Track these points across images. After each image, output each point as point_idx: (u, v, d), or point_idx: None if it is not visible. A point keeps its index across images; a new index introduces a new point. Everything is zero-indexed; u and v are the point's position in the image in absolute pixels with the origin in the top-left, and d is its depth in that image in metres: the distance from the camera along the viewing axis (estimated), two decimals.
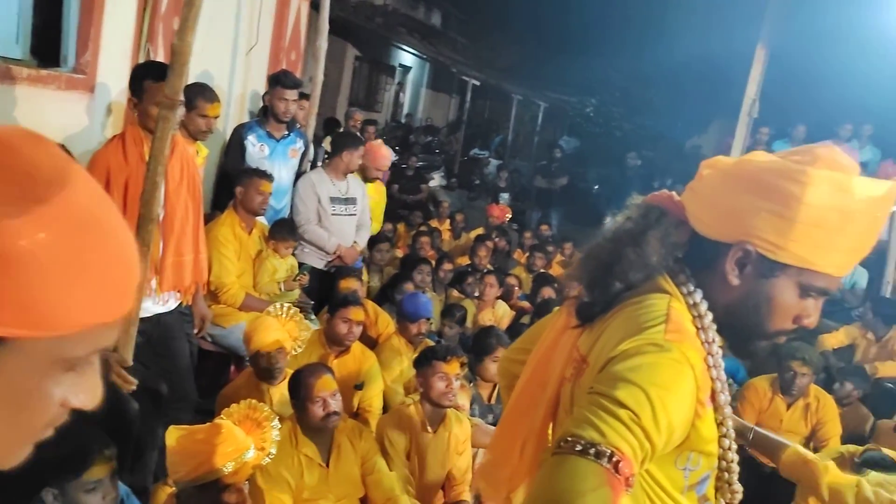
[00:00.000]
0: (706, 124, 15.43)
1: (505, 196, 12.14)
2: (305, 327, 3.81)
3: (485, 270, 6.67)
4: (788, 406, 4.80)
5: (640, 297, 1.35)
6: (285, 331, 3.63)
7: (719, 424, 1.33)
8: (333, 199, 5.10)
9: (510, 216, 9.87)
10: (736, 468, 1.39)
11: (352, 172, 5.25)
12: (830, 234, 1.24)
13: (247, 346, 3.63)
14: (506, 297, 6.45)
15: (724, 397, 1.33)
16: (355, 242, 5.24)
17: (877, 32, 7.76)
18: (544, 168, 12.65)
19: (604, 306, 1.39)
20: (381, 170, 5.77)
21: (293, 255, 4.72)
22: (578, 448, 1.12)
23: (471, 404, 4.22)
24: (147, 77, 3.09)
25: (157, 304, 3.37)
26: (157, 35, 4.42)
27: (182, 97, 2.83)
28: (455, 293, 6.40)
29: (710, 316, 1.34)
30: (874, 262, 7.11)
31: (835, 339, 6.27)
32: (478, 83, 17.67)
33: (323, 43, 5.55)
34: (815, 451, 4.58)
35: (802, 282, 1.29)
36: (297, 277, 4.61)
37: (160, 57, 4.32)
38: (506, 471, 1.52)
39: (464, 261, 7.52)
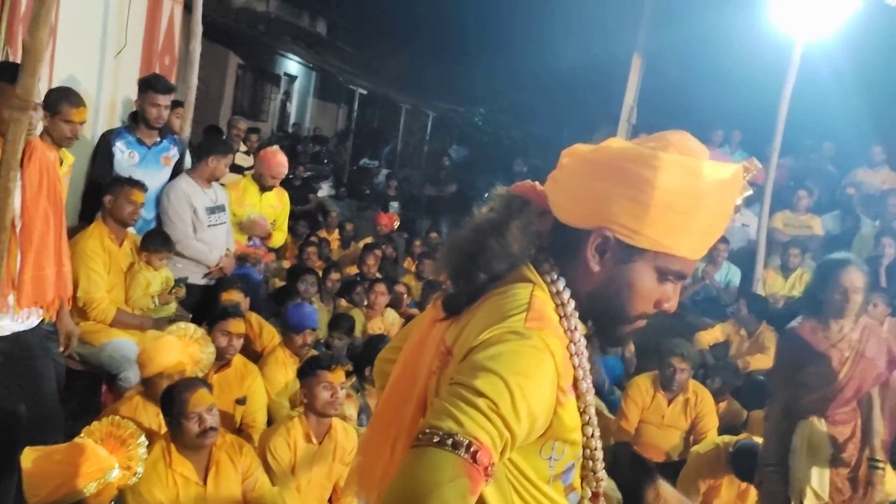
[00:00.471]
0: (591, 131, 15.85)
1: (394, 205, 12.12)
2: (209, 350, 3.61)
3: (373, 279, 6.61)
4: (669, 402, 4.96)
5: (505, 287, 1.35)
6: (188, 353, 3.44)
7: (582, 412, 1.34)
8: (208, 210, 4.90)
9: (398, 224, 9.84)
10: (600, 456, 1.39)
11: (217, 180, 5.04)
12: (683, 217, 1.26)
13: (142, 369, 3.40)
14: (395, 304, 6.40)
15: (586, 385, 1.33)
16: (228, 249, 5.06)
17: (746, 40, 8.17)
18: (434, 176, 12.73)
19: (469, 297, 1.37)
20: (276, 178, 5.53)
21: (168, 267, 4.51)
22: (436, 440, 1.11)
23: (359, 414, 4.15)
24: None
25: (15, 322, 3.14)
26: (16, 37, 4.15)
27: (37, 98, 2.66)
28: (343, 303, 6.31)
29: (573, 304, 1.35)
30: (746, 261, 7.47)
31: (710, 336, 6.54)
32: (365, 92, 17.62)
33: (197, 46, 5.36)
34: (695, 443, 4.76)
35: (659, 265, 1.31)
36: (173, 291, 4.41)
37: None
38: (377, 470, 1.48)
39: (353, 270, 7.45)
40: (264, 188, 5.47)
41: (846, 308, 3.39)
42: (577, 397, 1.33)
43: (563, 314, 1.33)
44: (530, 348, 1.22)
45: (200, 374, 3.51)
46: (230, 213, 5.18)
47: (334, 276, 6.45)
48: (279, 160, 5.50)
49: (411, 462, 1.12)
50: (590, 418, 1.35)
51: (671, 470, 4.52)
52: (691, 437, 4.90)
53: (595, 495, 1.42)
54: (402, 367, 1.52)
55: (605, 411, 4.85)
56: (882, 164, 8.69)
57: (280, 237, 5.87)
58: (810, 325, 3.50)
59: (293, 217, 9.76)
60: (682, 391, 4.95)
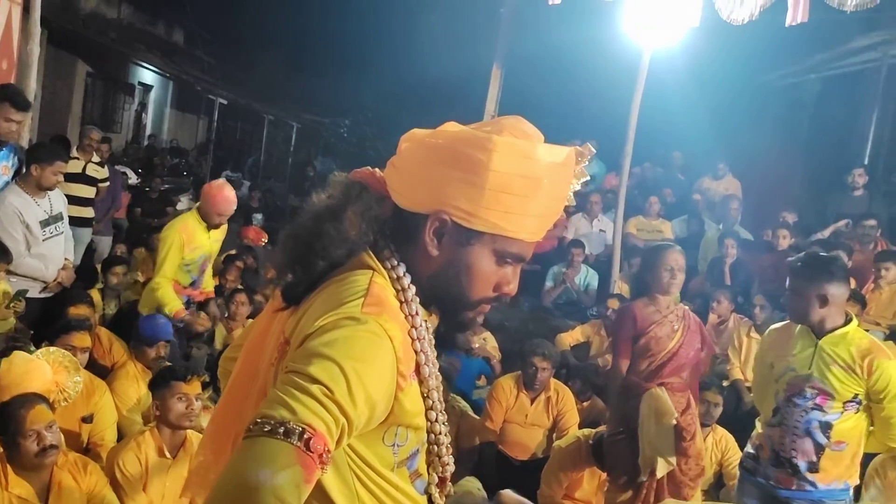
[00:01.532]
0: None
1: (258, 217, 11.84)
2: (76, 379, 3.26)
3: (234, 289, 6.41)
4: (532, 401, 5.07)
5: (344, 274, 1.32)
6: (54, 380, 3.12)
7: (425, 397, 1.33)
8: (42, 222, 4.56)
9: (266, 239, 9.62)
10: (445, 440, 1.39)
11: (51, 189, 4.63)
12: (518, 199, 1.27)
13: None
14: (256, 315, 6.21)
15: (429, 370, 1.33)
16: (67, 260, 4.76)
17: (599, 50, 8.54)
18: (298, 187, 12.55)
19: (308, 286, 1.34)
20: (224, 215, 4.85)
21: (5, 280, 4.19)
22: (267, 429, 1.08)
23: None
24: None
25: None
26: None
27: None
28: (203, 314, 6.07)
29: (413, 289, 1.34)
30: (603, 264, 7.78)
31: (571, 338, 6.74)
32: (226, 103, 17.14)
33: (35, 48, 5.04)
34: (558, 439, 4.88)
35: (497, 248, 1.32)
36: (11, 305, 4.10)
37: None
38: (218, 469, 1.41)
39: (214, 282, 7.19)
40: (211, 226, 4.88)
41: (672, 285, 3.82)
42: (420, 382, 1.32)
43: (403, 300, 1.33)
44: (367, 333, 1.20)
45: (63, 405, 3.23)
46: (183, 257, 4.72)
47: None
48: (226, 195, 4.83)
49: (241, 453, 1.08)
50: (433, 403, 1.35)
51: (536, 467, 4.62)
52: (554, 435, 5.02)
53: (442, 480, 1.42)
54: (243, 362, 1.46)
55: (470, 412, 4.89)
56: (725, 174, 9.31)
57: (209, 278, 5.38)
58: (642, 302, 3.90)
59: (150, 230, 9.40)
60: (545, 390, 5.07)
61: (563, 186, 1.35)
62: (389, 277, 1.34)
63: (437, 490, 1.41)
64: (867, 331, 3.47)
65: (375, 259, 1.34)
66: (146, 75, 18.27)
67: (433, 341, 1.44)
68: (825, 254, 3.24)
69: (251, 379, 1.40)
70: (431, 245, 1.31)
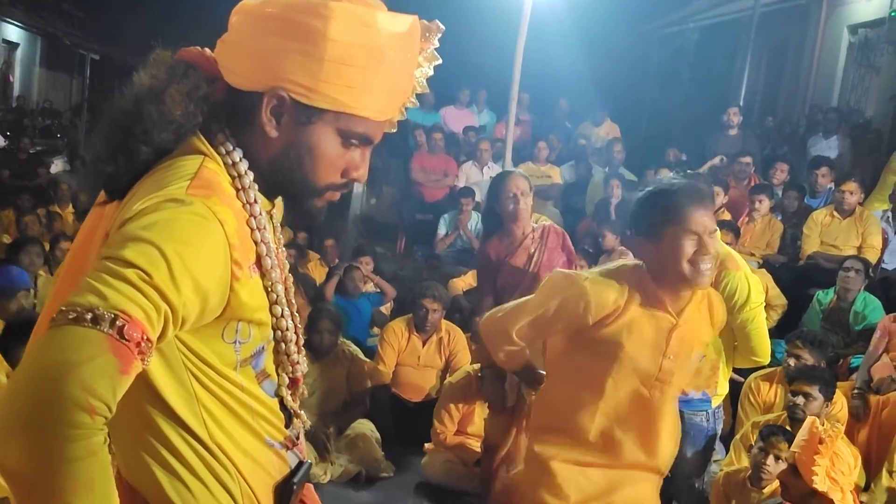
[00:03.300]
0: None
1: None
2: None
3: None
4: (424, 342, 5.06)
5: (172, 160, 1.20)
6: None
7: (269, 292, 1.24)
8: None
9: None
10: (293, 338, 1.31)
11: None
12: (361, 73, 1.19)
13: None
14: None
15: (271, 262, 1.24)
16: None
17: (483, 1, 8.47)
18: None
19: (132, 175, 1.21)
20: None
21: None
22: (72, 316, 0.98)
23: None
24: None
25: None
26: None
27: None
28: None
29: (251, 176, 1.24)
30: None
31: (464, 283, 6.76)
32: (98, 58, 16.20)
33: None
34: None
35: (341, 128, 1.23)
36: None
37: None
38: None
39: None
40: None
41: (519, 210, 3.67)
42: (263, 276, 1.23)
43: (240, 187, 1.23)
44: (192, 215, 1.10)
45: None
46: None
47: (64, 245, 5.86)
48: None
49: (42, 344, 0.98)
50: (278, 297, 1.26)
51: (430, 408, 4.63)
52: (447, 375, 5.03)
53: (293, 381, 1.34)
54: (67, 266, 1.33)
55: (360, 355, 4.84)
56: (604, 119, 9.51)
57: None
58: (496, 237, 3.79)
59: (18, 192, 8.85)
60: (436, 331, 5.07)
61: (409, 60, 1.27)
62: (224, 164, 1.23)
63: (289, 392, 1.33)
64: None
65: (207, 144, 1.23)
66: (10, 31, 17.07)
67: (278, 232, 1.35)
68: (690, 180, 3.29)
69: (75, 281, 1.27)
70: (269, 125, 1.21)
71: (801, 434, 2.82)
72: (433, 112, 10.06)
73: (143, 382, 1.13)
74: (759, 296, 3.09)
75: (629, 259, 2.47)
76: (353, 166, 1.28)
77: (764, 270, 5.57)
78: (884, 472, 3.82)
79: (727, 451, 4.08)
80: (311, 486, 1.42)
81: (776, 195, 6.57)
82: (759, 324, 3.07)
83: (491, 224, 3.84)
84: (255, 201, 1.23)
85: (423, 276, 7.29)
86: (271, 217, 1.30)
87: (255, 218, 1.22)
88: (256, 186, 1.24)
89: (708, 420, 3.22)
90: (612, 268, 2.36)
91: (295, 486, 1.30)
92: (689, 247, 2.17)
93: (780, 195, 6.60)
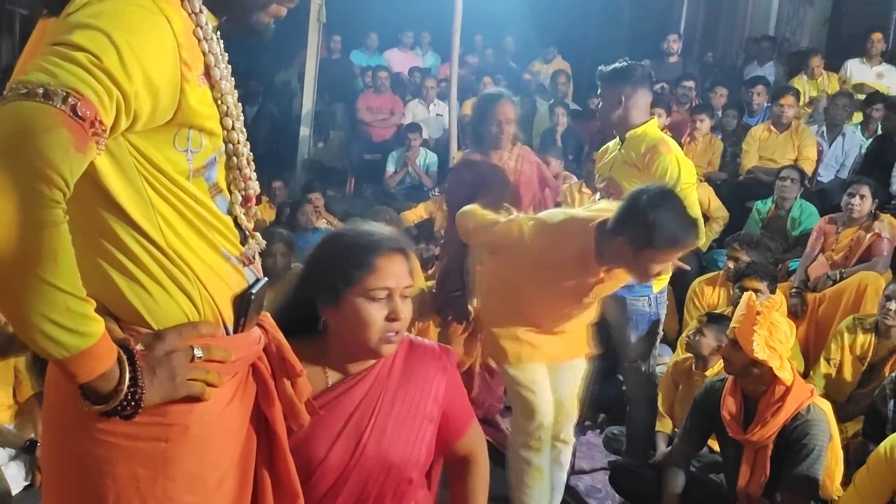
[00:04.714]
0: (291, 58, 15.60)
1: None
2: None
3: None
4: None
5: None
6: None
7: (219, 103, 1.25)
8: None
9: None
10: (245, 152, 1.32)
11: None
12: None
13: None
14: None
15: (220, 72, 1.24)
16: None
17: None
18: None
19: None
20: None
21: None
22: (23, 91, 0.98)
23: None
24: None
25: None
26: None
27: None
28: None
29: None
30: (443, 147, 7.83)
31: (415, 215, 6.80)
32: (27, 13, 15.51)
33: None
34: None
35: None
36: None
37: None
38: None
39: None
40: None
41: (501, 138, 3.75)
42: (212, 87, 1.24)
43: None
44: (137, 7, 1.10)
45: None
46: None
47: None
48: None
49: None
50: (229, 109, 1.27)
51: None
52: None
53: (246, 199, 1.35)
54: (16, 73, 1.31)
55: None
56: (554, 56, 9.55)
57: None
58: (476, 154, 3.86)
59: None
60: None
61: None
62: None
63: (242, 211, 1.35)
64: None
65: None
66: None
67: (222, 45, 1.35)
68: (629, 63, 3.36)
69: None
70: None
71: (739, 309, 2.92)
72: (377, 55, 10.00)
73: (98, 188, 1.15)
74: (690, 176, 3.25)
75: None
76: None
77: (706, 184, 5.71)
78: (821, 359, 4.00)
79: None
80: (267, 314, 1.45)
81: (716, 116, 6.72)
82: (693, 203, 3.17)
83: (474, 143, 3.92)
84: (201, 11, 1.23)
85: (375, 218, 7.32)
86: (217, 37, 1.30)
87: (201, 28, 1.22)
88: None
89: (650, 305, 3.34)
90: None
91: (253, 297, 1.32)
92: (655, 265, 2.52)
93: (720, 116, 6.76)
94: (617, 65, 3.30)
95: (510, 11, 9.92)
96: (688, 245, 2.51)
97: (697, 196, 3.41)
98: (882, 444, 2.63)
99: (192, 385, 1.20)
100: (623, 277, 2.73)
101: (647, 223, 2.39)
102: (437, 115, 8.51)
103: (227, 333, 1.29)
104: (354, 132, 8.77)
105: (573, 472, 3.75)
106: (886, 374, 3.57)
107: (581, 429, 3.86)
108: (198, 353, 1.21)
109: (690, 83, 7.16)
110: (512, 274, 2.88)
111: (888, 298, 3.76)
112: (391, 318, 1.62)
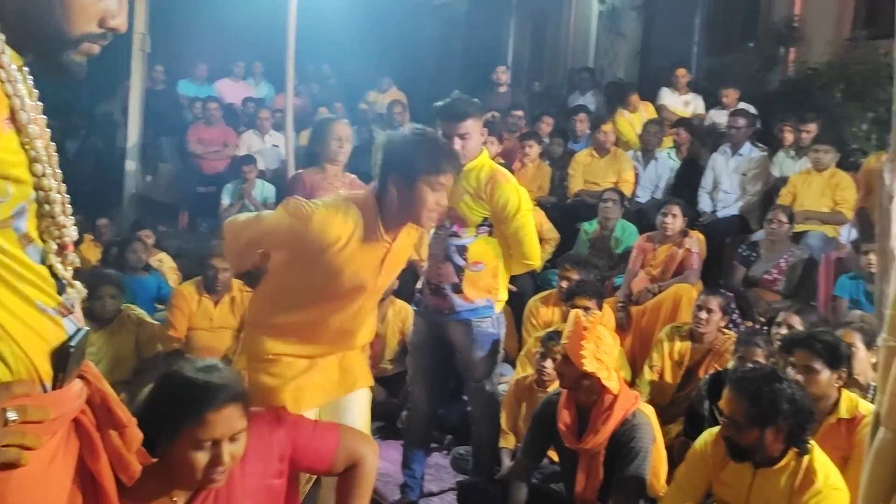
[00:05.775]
0: (113, 89, 14.92)
1: None
2: None
3: None
4: (216, 303, 4.95)
5: None
6: None
7: (27, 148, 1.19)
8: None
9: None
10: (59, 198, 1.24)
11: None
12: None
13: None
14: None
15: (27, 116, 1.19)
16: None
17: None
18: None
19: None
20: None
21: None
22: None
23: None
24: None
25: None
26: None
27: None
28: None
29: None
30: (281, 178, 7.75)
31: None
32: None
33: None
34: None
35: None
36: None
37: None
38: None
39: None
40: None
41: (339, 153, 4.12)
42: (19, 131, 1.17)
43: None
44: None
45: None
46: None
47: None
48: None
49: None
50: (38, 154, 1.19)
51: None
52: (241, 334, 4.97)
53: (62, 247, 1.28)
54: None
55: (148, 318, 4.67)
56: (390, 87, 9.75)
57: None
58: (312, 170, 4.20)
59: None
60: (227, 291, 4.97)
61: None
62: None
63: (58, 259, 1.28)
64: None
65: None
66: None
67: (35, 96, 1.31)
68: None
69: None
70: None
71: (567, 326, 3.11)
72: (207, 85, 9.78)
73: None
74: (527, 204, 3.42)
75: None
76: (109, 14, 1.23)
77: (538, 208, 6.00)
78: (646, 367, 4.31)
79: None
80: (90, 363, 1.39)
81: (544, 143, 7.09)
82: (530, 229, 3.39)
83: (310, 162, 4.26)
84: (3, 52, 1.18)
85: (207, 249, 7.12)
86: (24, 76, 1.25)
87: (3, 69, 1.16)
88: (3, 37, 1.19)
89: (494, 325, 3.48)
90: (340, 198, 2.58)
91: (72, 349, 1.25)
92: (429, 195, 2.42)
93: (548, 143, 7.15)
94: (451, 99, 3.41)
95: (344, 42, 10.05)
96: (448, 167, 2.48)
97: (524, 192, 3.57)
98: (697, 441, 2.87)
99: (6, 452, 1.13)
100: (408, 243, 2.64)
101: (407, 152, 2.46)
102: (274, 145, 8.41)
103: (45, 390, 1.21)
104: (186, 165, 8.52)
105: (422, 495, 3.81)
106: (702, 377, 3.90)
107: (428, 451, 3.92)
108: (11, 415, 1.13)
109: (519, 112, 7.53)
110: (292, 277, 2.54)
111: (699, 308, 4.12)
112: (216, 462, 1.76)
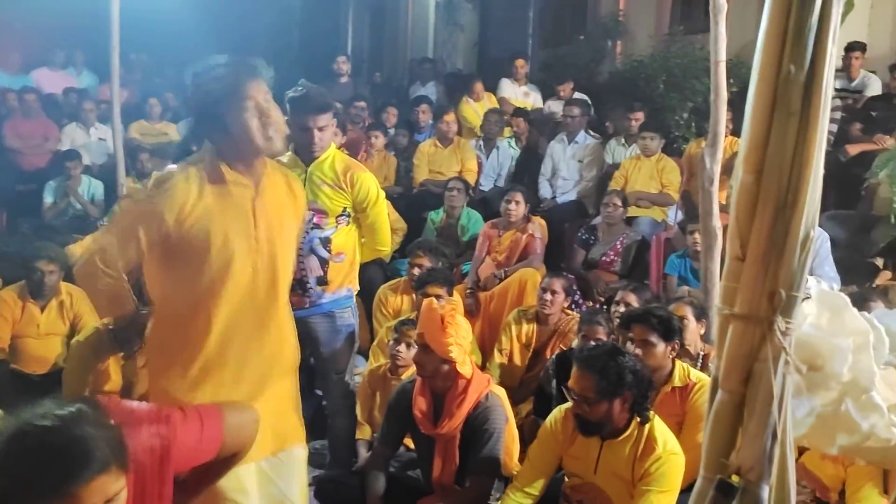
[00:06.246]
0: None
1: None
2: None
3: None
4: (42, 309, 4.61)
5: None
6: None
7: None
8: None
9: None
10: None
11: None
12: None
13: None
14: None
15: None
16: None
17: None
18: None
19: None
20: None
21: None
22: None
23: None
24: None
25: None
26: None
27: None
28: None
29: None
30: (109, 173, 7.28)
31: (81, 248, 6.23)
32: None
33: None
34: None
35: None
36: None
37: None
38: None
39: None
40: None
41: None
42: None
43: None
44: None
45: None
46: None
47: None
48: None
49: None
50: None
51: (57, 378, 4.23)
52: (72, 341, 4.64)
53: None
54: None
55: None
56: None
57: None
58: None
59: None
60: (55, 295, 4.64)
61: None
62: None
63: None
64: None
65: None
66: None
67: None
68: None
69: None
70: None
71: (424, 316, 3.12)
72: (22, 75, 9.04)
73: None
74: (382, 194, 3.46)
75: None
76: None
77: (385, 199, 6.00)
78: (495, 351, 4.41)
79: None
80: None
81: (389, 133, 7.10)
82: (385, 218, 3.52)
83: None
84: None
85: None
86: None
87: None
88: None
89: (352, 315, 3.50)
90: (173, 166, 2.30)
91: None
92: (247, 114, 2.14)
93: (393, 134, 7.16)
94: (307, 91, 3.34)
95: (172, 31, 9.59)
96: (248, 78, 2.19)
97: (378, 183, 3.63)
98: (547, 419, 2.98)
99: None
100: (280, 186, 2.36)
101: (208, 82, 2.20)
102: (100, 139, 7.92)
103: None
104: (3, 161, 7.83)
105: None
106: (549, 357, 4.05)
107: None
108: None
109: (362, 103, 7.49)
110: (172, 288, 2.25)
111: (544, 290, 4.27)
112: None
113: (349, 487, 3.41)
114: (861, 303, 3.24)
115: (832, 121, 5.48)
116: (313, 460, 3.99)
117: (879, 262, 4.89)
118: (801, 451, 2.71)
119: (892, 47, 6.57)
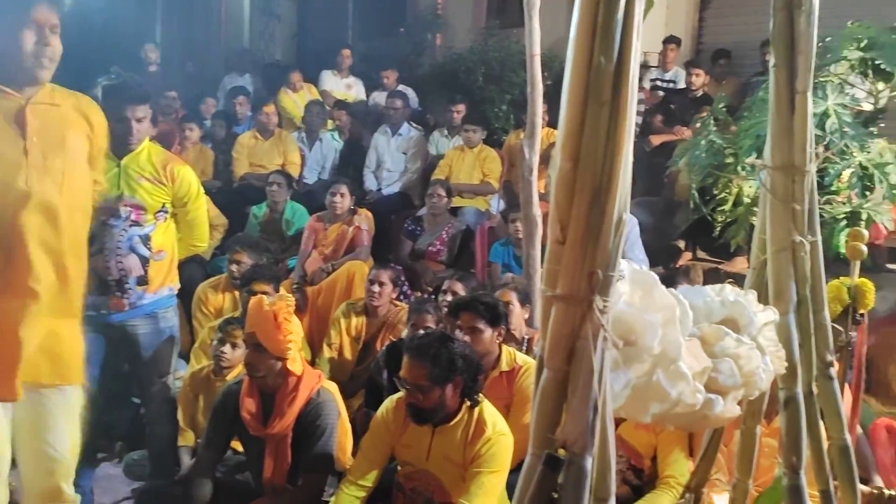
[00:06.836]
0: None
1: None
2: None
3: None
4: None
5: None
6: None
7: None
8: None
9: None
10: None
11: None
12: None
13: None
14: None
15: None
16: None
17: None
18: None
19: None
20: None
21: None
22: None
23: None
24: None
25: None
26: None
27: None
28: None
29: None
30: None
31: None
32: None
33: None
34: None
35: None
36: None
37: None
38: None
39: None
40: None
41: None
42: None
43: None
44: None
45: None
46: None
47: None
48: None
49: None
50: None
51: None
52: None
53: None
54: None
55: None
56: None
57: None
58: None
59: None
60: None
61: None
62: None
63: None
64: None
65: None
66: None
67: None
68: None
69: None
70: None
71: (254, 315, 3.01)
72: None
73: None
74: (202, 188, 3.34)
75: None
76: None
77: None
78: (325, 345, 4.36)
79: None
80: None
81: (205, 125, 6.80)
82: (204, 213, 3.44)
83: None
84: None
85: None
86: None
87: None
88: None
89: (175, 314, 3.35)
90: None
91: None
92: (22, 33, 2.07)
93: (210, 126, 6.87)
94: (124, 80, 3.18)
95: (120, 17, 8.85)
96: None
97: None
98: (378, 410, 2.98)
99: None
100: (65, 104, 2.26)
101: None
102: None
103: None
104: None
105: None
106: (379, 349, 4.05)
107: (93, 463, 3.57)
108: None
109: (173, 93, 7.12)
110: None
111: (371, 282, 4.26)
112: None
113: (172, 498, 3.24)
114: (668, 281, 3.48)
115: (637, 113, 5.86)
116: (131, 472, 3.79)
117: (681, 244, 5.31)
118: (618, 422, 2.89)
119: (687, 45, 7.14)
